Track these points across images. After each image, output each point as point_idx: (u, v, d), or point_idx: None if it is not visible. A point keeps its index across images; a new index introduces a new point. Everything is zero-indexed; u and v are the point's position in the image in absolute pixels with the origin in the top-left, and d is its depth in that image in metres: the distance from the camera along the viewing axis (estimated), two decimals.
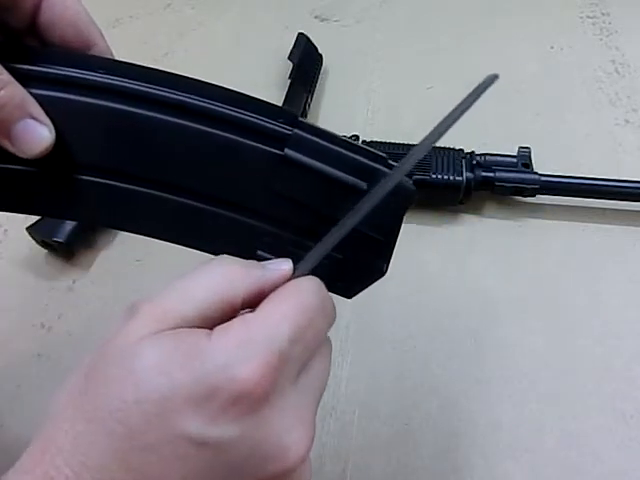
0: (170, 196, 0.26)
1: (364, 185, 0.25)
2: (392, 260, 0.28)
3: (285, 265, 0.24)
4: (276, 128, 0.25)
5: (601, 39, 0.68)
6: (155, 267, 0.51)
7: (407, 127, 0.59)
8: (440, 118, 0.23)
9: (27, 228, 0.50)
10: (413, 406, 0.43)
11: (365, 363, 0.45)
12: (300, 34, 0.65)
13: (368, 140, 0.55)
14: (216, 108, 0.25)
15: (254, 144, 0.25)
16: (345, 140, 0.25)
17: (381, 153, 0.25)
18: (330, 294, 0.24)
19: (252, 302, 0.22)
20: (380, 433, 0.42)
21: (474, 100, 0.23)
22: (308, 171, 0.25)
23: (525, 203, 0.54)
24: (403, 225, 0.27)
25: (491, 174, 0.51)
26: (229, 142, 0.25)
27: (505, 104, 0.61)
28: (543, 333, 0.46)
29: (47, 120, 0.25)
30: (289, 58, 0.62)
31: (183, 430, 0.19)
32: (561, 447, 0.40)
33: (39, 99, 0.24)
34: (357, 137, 0.56)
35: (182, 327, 0.21)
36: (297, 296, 0.22)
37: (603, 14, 0.70)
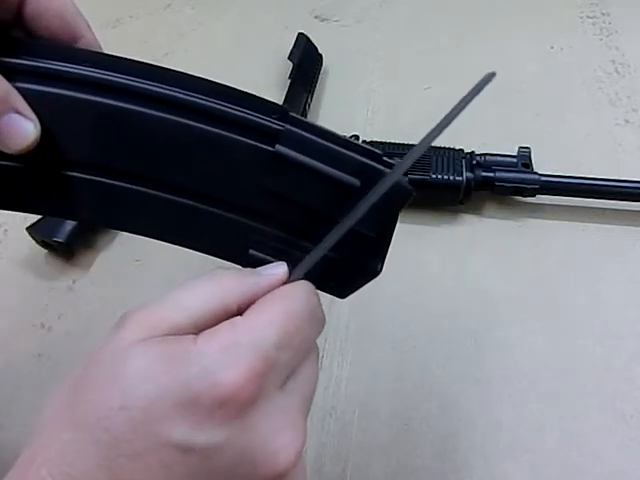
0: (159, 193, 0.26)
1: (357, 182, 0.24)
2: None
3: (279, 269, 0.24)
4: (267, 124, 0.24)
5: (601, 39, 0.68)
6: (155, 267, 0.51)
7: (407, 127, 0.59)
8: (439, 118, 0.22)
9: (27, 228, 0.50)
10: (413, 406, 0.43)
11: (365, 363, 0.45)
12: (300, 34, 0.65)
13: (368, 140, 0.55)
14: (205, 103, 0.24)
15: (244, 140, 0.24)
16: (338, 136, 0.25)
17: (375, 150, 0.25)
18: (323, 296, 0.24)
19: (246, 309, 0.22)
20: (380, 433, 0.42)
21: (471, 99, 0.22)
22: (300, 168, 0.24)
23: (525, 203, 0.54)
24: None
25: (491, 174, 0.51)
26: (219, 138, 0.24)
27: (505, 104, 0.61)
28: (543, 333, 0.46)
29: (32, 115, 0.24)
30: (289, 58, 0.62)
31: (168, 437, 0.19)
32: (561, 447, 0.40)
33: (24, 93, 0.24)
34: (357, 137, 0.56)
35: (173, 335, 0.21)
36: (286, 302, 0.22)
37: (603, 14, 0.70)
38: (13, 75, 0.23)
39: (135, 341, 0.20)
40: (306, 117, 0.60)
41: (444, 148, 0.53)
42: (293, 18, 0.74)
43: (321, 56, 0.67)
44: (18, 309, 0.49)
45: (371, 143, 0.54)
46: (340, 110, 0.63)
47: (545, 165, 0.52)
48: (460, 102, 0.22)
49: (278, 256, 0.26)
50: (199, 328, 0.21)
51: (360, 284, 0.27)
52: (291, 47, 0.64)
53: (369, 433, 0.42)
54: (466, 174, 0.51)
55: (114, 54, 0.24)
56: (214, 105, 0.24)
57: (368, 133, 0.58)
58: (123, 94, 0.24)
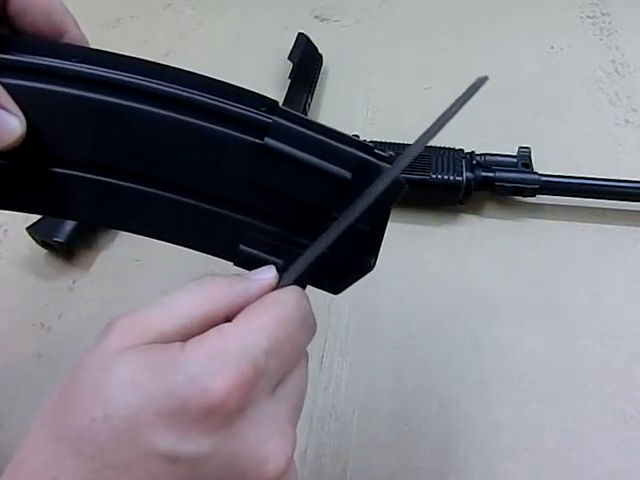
0: (147, 189, 0.25)
1: (348, 174, 0.24)
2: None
3: (269, 274, 0.24)
4: (256, 116, 0.24)
5: (601, 39, 0.68)
6: (155, 267, 0.51)
7: (407, 127, 0.59)
8: (434, 121, 0.22)
9: (27, 228, 0.50)
10: (413, 406, 0.43)
11: (365, 363, 0.45)
12: (300, 34, 0.65)
13: (368, 140, 0.55)
14: (193, 96, 0.24)
15: (233, 133, 0.24)
16: (328, 129, 0.24)
17: (366, 142, 0.24)
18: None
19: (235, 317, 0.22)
20: (380, 433, 0.42)
21: (464, 102, 0.22)
22: (289, 161, 0.24)
23: (525, 203, 0.54)
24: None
25: (491, 174, 0.51)
26: (208, 132, 0.24)
27: (505, 104, 0.61)
28: (543, 333, 0.46)
29: (17, 110, 0.23)
30: (289, 58, 0.62)
31: (154, 446, 0.18)
32: (561, 447, 0.40)
33: (9, 89, 0.23)
34: (357, 137, 0.56)
35: (160, 342, 0.20)
36: (276, 308, 0.22)
37: (603, 14, 0.70)
38: None
39: (120, 349, 0.20)
40: None
41: (444, 148, 0.53)
42: (293, 18, 0.74)
43: (321, 56, 0.67)
44: (18, 309, 0.49)
45: (371, 143, 0.54)
46: (340, 110, 0.63)
47: (545, 165, 0.52)
48: (452, 106, 0.22)
49: (270, 251, 0.26)
50: (186, 336, 0.21)
51: (354, 279, 0.27)
52: (291, 47, 0.64)
53: (369, 433, 0.42)
54: (466, 174, 0.51)
55: (101, 49, 0.24)
56: (202, 99, 0.24)
57: (368, 133, 0.58)
58: (111, 89, 0.24)
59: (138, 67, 0.24)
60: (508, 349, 0.45)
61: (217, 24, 0.75)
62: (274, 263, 0.25)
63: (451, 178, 0.51)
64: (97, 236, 0.53)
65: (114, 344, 0.20)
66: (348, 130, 0.61)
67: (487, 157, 0.53)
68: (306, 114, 0.60)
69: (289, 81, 0.60)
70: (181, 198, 0.25)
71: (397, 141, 0.54)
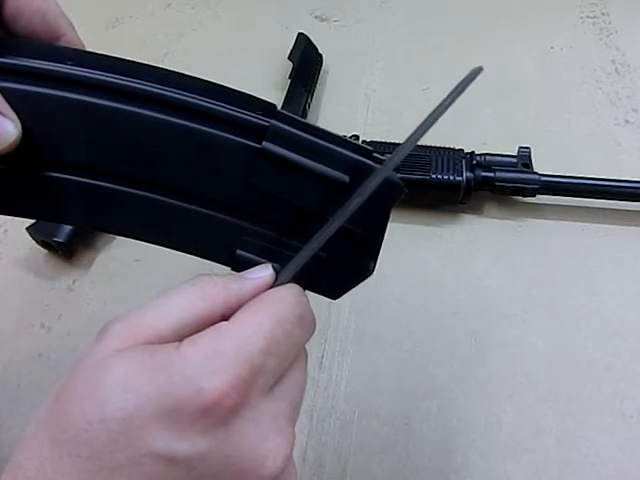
0: (143, 193, 0.25)
1: (346, 178, 0.24)
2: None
3: (265, 272, 0.23)
4: (253, 120, 0.24)
5: (601, 39, 0.68)
6: (155, 267, 0.51)
7: (407, 127, 0.58)
8: (430, 112, 0.22)
9: (27, 228, 0.50)
10: (413, 406, 0.43)
11: (365, 363, 0.45)
12: (300, 34, 0.65)
13: (368, 140, 0.55)
14: (190, 100, 0.23)
15: (230, 137, 0.24)
16: (326, 132, 0.24)
17: (365, 145, 0.24)
18: (314, 297, 0.24)
19: (232, 316, 0.22)
20: (380, 433, 0.42)
21: (459, 94, 0.22)
22: (287, 165, 0.24)
23: (525, 203, 0.54)
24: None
25: (491, 174, 0.51)
26: (205, 135, 0.24)
27: (505, 104, 0.61)
28: (543, 333, 0.46)
29: (12, 114, 0.23)
30: (289, 58, 0.62)
31: (150, 447, 0.18)
32: (561, 447, 0.40)
33: (4, 92, 0.23)
34: (357, 137, 0.56)
35: (155, 343, 0.20)
36: (273, 306, 0.22)
37: (603, 14, 0.70)
38: None
39: (115, 351, 0.20)
40: (306, 117, 0.60)
41: (444, 148, 0.53)
42: (293, 18, 0.74)
43: (321, 56, 0.67)
44: (18, 309, 0.49)
45: (371, 143, 0.54)
46: (340, 110, 0.63)
47: (545, 165, 0.52)
48: (447, 98, 0.22)
49: (267, 256, 0.25)
50: (182, 336, 0.21)
51: (352, 284, 0.26)
52: (291, 47, 0.64)
53: (369, 433, 0.42)
54: (466, 174, 0.51)
55: (96, 52, 0.24)
56: (199, 102, 0.23)
57: (368, 133, 0.58)
58: (107, 92, 0.23)
59: (134, 70, 0.24)
60: (508, 349, 0.45)
61: (217, 24, 0.75)
62: (269, 264, 0.25)
63: (451, 178, 0.51)
64: (97, 236, 0.54)
65: (109, 347, 0.20)
66: (348, 130, 0.62)
67: (487, 157, 0.53)
68: (306, 114, 0.60)
69: (289, 81, 0.60)
70: (178, 202, 0.25)
71: (397, 141, 0.54)
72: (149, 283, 0.50)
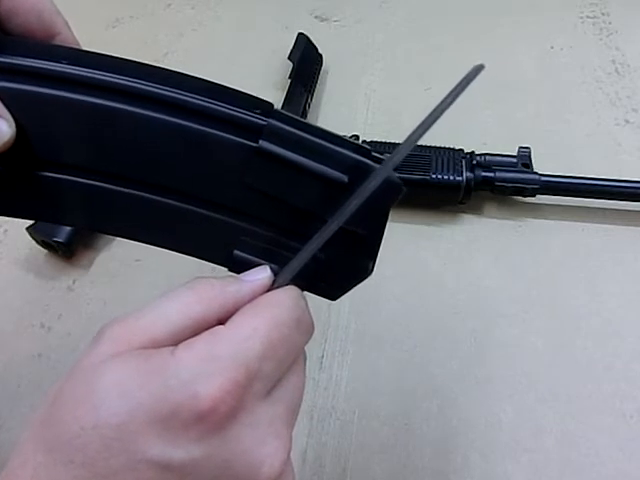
0: (140, 193, 0.25)
1: (345, 178, 0.23)
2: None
3: (262, 274, 0.23)
4: (250, 118, 0.23)
5: (601, 39, 0.68)
6: (155, 267, 0.51)
7: (407, 127, 0.58)
8: (432, 109, 0.22)
9: (27, 228, 0.50)
10: (413, 406, 0.43)
11: (365, 363, 0.45)
12: (300, 34, 0.65)
13: (368, 140, 0.55)
14: (186, 98, 0.23)
15: (227, 136, 0.23)
16: (325, 131, 0.24)
17: (364, 145, 0.24)
18: (314, 298, 0.23)
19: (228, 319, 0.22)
20: (380, 433, 0.42)
21: (460, 92, 0.22)
22: (284, 164, 0.23)
23: (525, 203, 0.54)
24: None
25: (491, 174, 0.51)
26: (201, 134, 0.23)
27: (505, 104, 0.61)
28: (543, 333, 0.46)
29: (6, 113, 0.23)
30: (289, 58, 0.62)
31: (144, 453, 0.18)
32: (561, 447, 0.40)
33: None
34: (357, 137, 0.56)
35: (151, 348, 0.20)
36: (270, 309, 0.21)
37: (603, 14, 0.70)
38: None
39: (110, 355, 0.20)
40: (306, 117, 0.60)
41: (444, 148, 0.53)
42: (293, 18, 0.74)
43: (321, 56, 0.67)
44: (18, 309, 0.49)
45: (371, 143, 0.54)
46: (340, 110, 0.63)
47: (545, 165, 0.52)
48: (448, 96, 0.21)
49: (265, 257, 0.25)
50: (178, 340, 0.20)
51: (351, 285, 0.26)
52: (291, 47, 0.64)
53: (369, 433, 0.42)
54: (466, 174, 0.51)
55: (92, 50, 0.24)
56: (196, 101, 0.23)
57: (368, 133, 0.58)
58: (103, 92, 0.23)
59: (130, 69, 0.23)
60: (508, 349, 0.45)
61: (217, 24, 0.75)
62: (267, 265, 0.24)
63: (451, 178, 0.51)
64: (97, 236, 0.53)
65: (104, 351, 0.20)
66: (348, 130, 0.62)
67: (487, 157, 0.53)
68: (306, 114, 0.60)
69: (289, 81, 0.60)
70: (174, 202, 0.25)
71: (397, 141, 0.54)
72: (149, 283, 0.50)
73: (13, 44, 0.23)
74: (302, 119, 0.24)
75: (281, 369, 0.21)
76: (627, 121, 0.59)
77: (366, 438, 0.41)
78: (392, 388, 0.44)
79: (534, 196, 0.52)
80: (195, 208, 0.25)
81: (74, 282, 0.51)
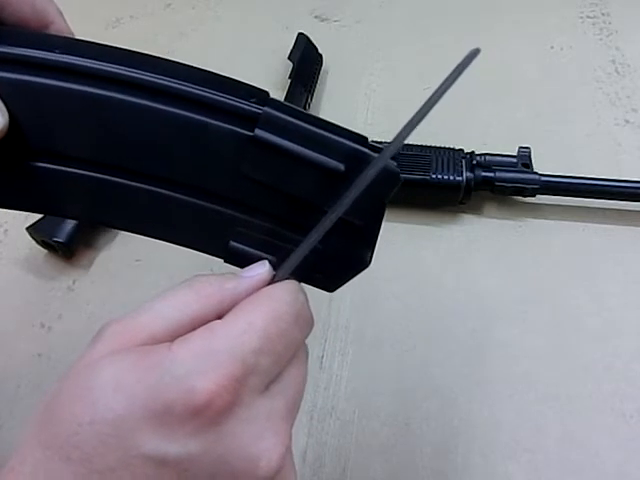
0: (134, 183, 0.24)
1: (341, 167, 0.23)
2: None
3: (260, 269, 0.23)
4: (245, 107, 0.23)
5: (601, 39, 0.68)
6: (155, 267, 0.51)
7: None
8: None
9: (27, 228, 0.50)
10: (413, 406, 0.43)
11: (365, 363, 0.45)
12: (300, 34, 0.65)
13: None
14: (181, 87, 0.23)
15: (222, 125, 0.23)
16: (321, 119, 0.23)
17: (361, 133, 0.24)
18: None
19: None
20: (380, 433, 0.42)
21: (457, 76, 0.21)
22: (280, 153, 0.23)
23: (525, 203, 0.54)
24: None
25: (491, 174, 0.51)
26: (197, 123, 0.23)
27: (505, 104, 0.61)
28: (543, 333, 0.46)
29: (0, 104, 0.22)
30: (289, 58, 0.62)
31: (140, 449, 0.18)
32: (561, 447, 0.40)
33: None
34: None
35: (149, 345, 0.20)
36: (268, 304, 0.21)
37: (603, 14, 0.70)
38: None
39: (108, 353, 0.20)
40: None
41: (444, 148, 0.53)
42: (293, 18, 0.74)
43: (321, 56, 0.67)
44: (18, 309, 0.49)
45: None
46: (340, 110, 0.63)
47: (545, 165, 0.52)
48: (445, 81, 0.21)
49: (261, 248, 0.25)
50: (176, 337, 0.20)
51: (349, 276, 0.26)
52: (291, 47, 0.64)
53: (369, 433, 0.42)
54: (466, 174, 0.51)
55: (85, 39, 0.23)
56: (191, 89, 0.23)
57: (368, 133, 0.57)
58: (96, 80, 0.23)
59: (124, 58, 0.23)
60: (508, 349, 0.45)
61: (217, 24, 0.75)
62: (266, 259, 0.24)
63: (451, 178, 0.51)
64: (97, 236, 0.53)
65: (102, 349, 0.20)
66: None
67: (487, 157, 0.53)
68: None
69: (289, 81, 0.60)
70: (169, 192, 0.25)
71: None
72: (149, 283, 0.50)
73: (6, 33, 0.23)
74: (299, 108, 0.23)
75: (280, 364, 0.21)
76: (627, 121, 0.59)
77: (366, 438, 0.41)
78: (392, 388, 0.44)
79: (534, 196, 0.52)
80: (191, 198, 0.25)
81: (74, 282, 0.51)
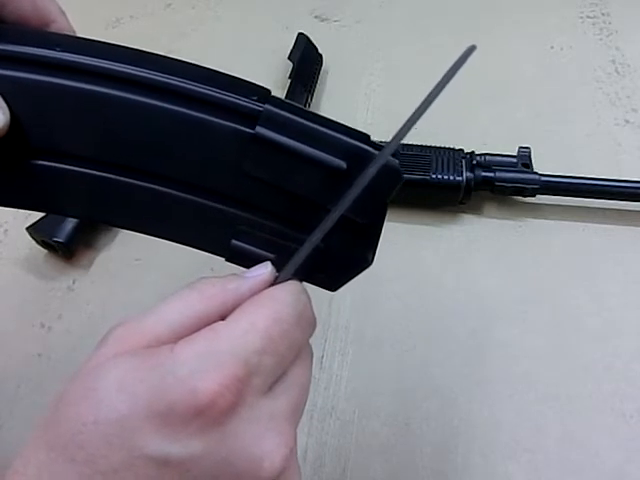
0: (135, 181, 0.24)
1: (343, 164, 0.23)
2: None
3: (263, 270, 0.23)
4: (246, 104, 0.23)
5: (601, 39, 0.68)
6: (155, 267, 0.51)
7: None
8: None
9: (27, 228, 0.50)
10: (413, 406, 0.43)
11: (365, 363, 0.45)
12: (300, 34, 0.65)
13: None
14: (183, 85, 0.23)
15: (223, 122, 0.23)
16: (323, 117, 0.23)
17: (362, 130, 0.23)
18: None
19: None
20: (380, 433, 0.42)
21: (454, 73, 0.21)
22: (281, 150, 0.23)
23: (525, 203, 0.54)
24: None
25: (491, 174, 0.51)
26: (198, 121, 0.23)
27: (505, 104, 0.61)
28: (543, 333, 0.46)
29: (1, 101, 0.22)
30: (289, 58, 0.62)
31: (143, 450, 0.18)
32: (561, 447, 0.40)
33: None
34: None
35: (153, 347, 0.20)
36: (271, 305, 0.21)
37: (603, 14, 0.70)
38: None
39: (113, 355, 0.20)
40: None
41: (444, 148, 0.53)
42: (293, 18, 0.74)
43: (321, 56, 0.67)
44: (18, 309, 0.49)
45: None
46: (340, 110, 0.63)
47: (545, 165, 0.52)
48: (444, 76, 0.21)
49: (263, 246, 0.25)
50: (181, 338, 0.20)
51: (351, 275, 0.26)
52: (291, 47, 0.64)
53: (369, 433, 0.42)
54: (466, 174, 0.51)
55: (86, 37, 0.23)
56: (192, 87, 0.23)
57: (368, 133, 0.58)
58: (97, 78, 0.23)
59: (125, 55, 0.23)
60: (508, 349, 0.45)
61: (217, 24, 0.75)
62: (267, 258, 0.24)
63: (451, 178, 0.51)
64: (97, 236, 0.53)
65: (108, 352, 0.20)
66: None
67: (487, 157, 0.53)
68: None
69: (289, 81, 0.60)
70: (170, 190, 0.25)
71: None
72: (149, 283, 0.50)
73: (7, 31, 0.23)
74: (300, 105, 0.23)
75: (283, 364, 0.21)
76: (627, 121, 0.59)
77: (366, 438, 0.41)
78: (392, 388, 0.44)
79: (534, 196, 0.52)
80: (192, 196, 0.25)
81: (74, 282, 0.51)
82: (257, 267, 0.23)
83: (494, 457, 0.40)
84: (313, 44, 0.66)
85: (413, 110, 0.22)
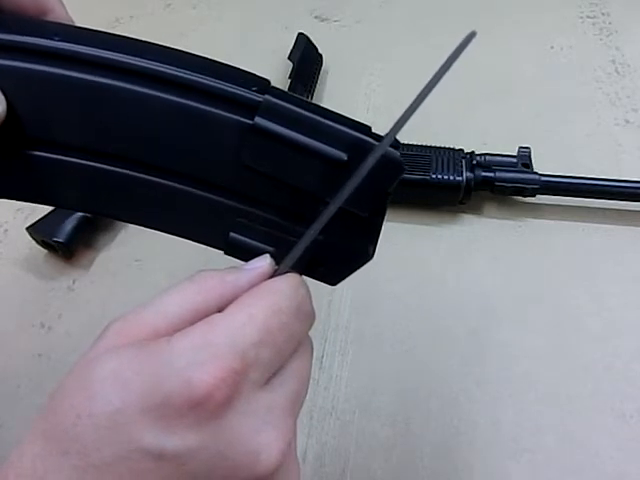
0: (133, 173, 0.24)
1: (344, 156, 0.23)
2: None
3: (262, 262, 0.23)
4: (245, 95, 0.22)
5: (601, 39, 0.68)
6: (155, 267, 0.51)
7: (407, 126, 0.59)
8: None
9: (27, 228, 0.50)
10: (413, 406, 0.43)
11: (365, 363, 0.45)
12: (300, 34, 0.65)
13: None
14: (182, 75, 0.23)
15: (222, 113, 0.23)
16: (323, 108, 0.23)
17: (363, 122, 0.23)
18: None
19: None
20: (380, 433, 0.42)
21: (454, 60, 0.21)
22: (281, 142, 0.22)
23: (525, 203, 0.54)
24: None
25: (491, 174, 0.51)
26: (197, 111, 0.23)
27: (505, 104, 0.61)
28: (543, 333, 0.46)
29: None
30: (289, 58, 0.62)
31: (138, 442, 0.18)
32: (561, 447, 0.40)
33: None
34: None
35: (151, 339, 0.20)
36: (268, 297, 0.21)
37: (603, 14, 0.70)
38: None
39: (111, 347, 0.20)
40: None
41: (444, 148, 0.53)
42: (293, 18, 0.74)
43: (321, 56, 0.67)
44: (18, 309, 0.49)
45: None
46: (340, 110, 0.63)
47: (545, 165, 0.52)
48: (444, 64, 0.21)
49: (262, 239, 0.25)
50: (178, 331, 0.20)
51: (351, 269, 0.25)
52: (291, 47, 0.64)
53: (369, 433, 0.42)
54: (466, 174, 0.51)
55: (86, 27, 0.23)
56: (191, 77, 0.23)
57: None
58: (95, 68, 0.22)
59: (123, 45, 0.23)
60: (508, 349, 0.45)
61: (217, 24, 0.75)
62: (267, 251, 0.24)
63: (451, 178, 0.51)
64: (97, 236, 0.53)
65: (105, 345, 0.20)
66: None
67: (487, 157, 0.53)
68: None
69: (289, 81, 0.60)
70: (169, 183, 0.24)
71: None
72: (149, 283, 0.50)
73: (4, 20, 0.23)
74: (300, 96, 0.23)
75: (281, 357, 0.21)
76: (627, 121, 0.59)
77: (366, 438, 0.41)
78: (392, 388, 0.44)
79: (534, 196, 0.52)
80: (191, 188, 0.24)
81: (74, 282, 0.51)
82: (256, 260, 0.23)
83: (494, 457, 0.40)
84: (313, 44, 0.66)
85: (411, 101, 0.22)
